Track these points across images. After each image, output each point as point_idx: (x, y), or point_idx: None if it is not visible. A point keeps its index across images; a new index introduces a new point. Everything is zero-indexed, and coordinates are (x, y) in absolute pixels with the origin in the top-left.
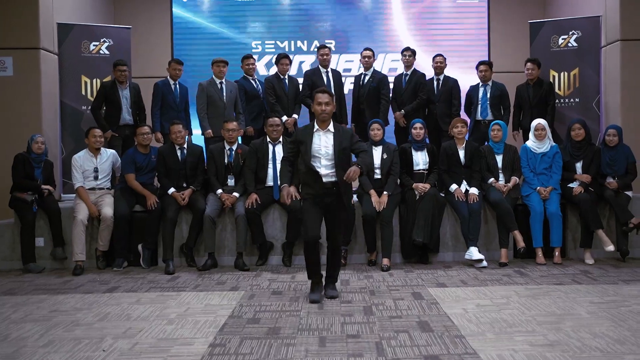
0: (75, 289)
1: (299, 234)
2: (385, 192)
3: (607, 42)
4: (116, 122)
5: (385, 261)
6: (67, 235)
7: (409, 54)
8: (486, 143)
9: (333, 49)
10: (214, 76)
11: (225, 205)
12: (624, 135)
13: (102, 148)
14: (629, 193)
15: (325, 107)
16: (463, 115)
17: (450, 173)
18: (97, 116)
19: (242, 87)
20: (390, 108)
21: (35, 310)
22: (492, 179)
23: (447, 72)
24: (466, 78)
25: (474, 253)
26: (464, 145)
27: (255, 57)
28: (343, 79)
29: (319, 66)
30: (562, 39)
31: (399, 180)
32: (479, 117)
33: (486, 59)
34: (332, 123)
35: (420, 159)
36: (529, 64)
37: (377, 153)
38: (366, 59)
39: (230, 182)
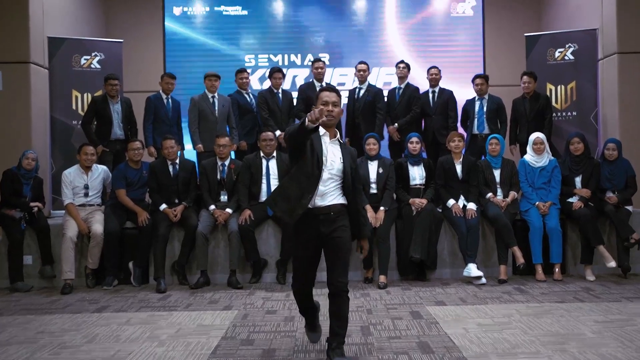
0: (63, 308)
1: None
2: (381, 208)
3: (604, 54)
4: (107, 137)
5: (382, 278)
6: (56, 253)
7: (403, 66)
8: (483, 157)
9: (327, 62)
10: (206, 90)
11: (218, 221)
12: (623, 149)
13: (93, 165)
14: (630, 208)
15: (332, 107)
16: (459, 129)
17: (447, 188)
18: (87, 131)
19: (236, 101)
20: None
21: (21, 331)
22: (490, 194)
23: (443, 85)
24: (461, 92)
25: (472, 270)
26: (461, 159)
27: (249, 71)
28: None
29: (314, 80)
30: (559, 52)
31: (395, 195)
32: (475, 131)
33: (482, 72)
34: (338, 133)
35: (417, 174)
36: (525, 77)
37: (373, 167)
38: (361, 73)
39: (223, 197)
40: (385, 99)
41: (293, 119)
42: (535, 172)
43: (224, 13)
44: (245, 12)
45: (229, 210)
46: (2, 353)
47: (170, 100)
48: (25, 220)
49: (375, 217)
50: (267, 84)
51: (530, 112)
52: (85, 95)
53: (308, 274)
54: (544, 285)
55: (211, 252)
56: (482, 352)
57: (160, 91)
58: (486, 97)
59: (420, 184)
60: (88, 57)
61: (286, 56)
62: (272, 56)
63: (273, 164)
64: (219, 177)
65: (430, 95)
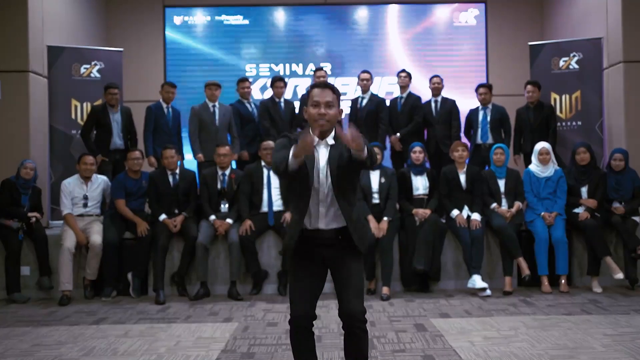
0: (60, 320)
1: None
2: (385, 218)
3: (609, 64)
4: (107, 147)
5: (385, 290)
6: (53, 263)
7: (404, 76)
8: (487, 167)
9: (329, 72)
10: (206, 99)
11: (218, 232)
12: (629, 159)
13: (93, 174)
14: (637, 218)
15: (325, 110)
16: (463, 138)
17: (451, 198)
18: (87, 141)
19: (237, 110)
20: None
21: (17, 343)
22: (494, 204)
23: (446, 95)
24: (465, 101)
25: (477, 281)
26: (464, 169)
27: (250, 80)
28: None
29: None
30: (563, 61)
31: (398, 206)
32: (479, 140)
33: (485, 81)
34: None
35: (420, 184)
36: (529, 86)
37: (375, 177)
38: (364, 82)
39: (224, 208)
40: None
41: (295, 129)
42: (541, 182)
43: (225, 22)
44: (246, 22)
45: (229, 220)
46: None
47: (170, 109)
48: (23, 231)
49: (378, 227)
50: (268, 93)
51: (534, 122)
52: (84, 104)
53: (305, 293)
54: (550, 297)
55: (211, 263)
56: None
57: (161, 100)
58: (490, 106)
59: (423, 194)
60: (88, 66)
61: (287, 66)
62: (273, 66)
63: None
64: (219, 187)
65: (433, 104)
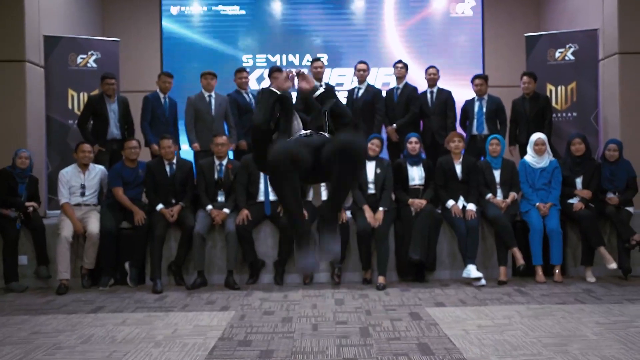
0: (58, 309)
1: (291, 251)
2: (380, 208)
3: (605, 55)
4: (104, 137)
5: (381, 279)
6: (51, 253)
7: (401, 67)
8: (482, 158)
9: (326, 63)
10: (202, 89)
11: (215, 221)
12: (624, 150)
13: (91, 164)
14: (631, 209)
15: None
16: (459, 129)
17: (446, 188)
18: (83, 131)
19: (235, 100)
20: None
21: (15, 332)
22: (489, 195)
23: (442, 86)
24: (461, 92)
25: (472, 271)
26: (460, 160)
27: (247, 70)
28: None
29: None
30: (559, 52)
31: (394, 196)
32: (474, 131)
33: (481, 72)
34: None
35: (416, 174)
36: (525, 77)
37: (371, 168)
38: (361, 72)
39: (220, 198)
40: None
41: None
42: (536, 173)
43: (222, 13)
44: (243, 12)
45: (226, 210)
46: None
47: (167, 99)
48: (21, 220)
49: (374, 217)
50: (265, 84)
51: (530, 113)
52: (81, 94)
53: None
54: (544, 287)
55: (208, 252)
56: (483, 354)
57: (158, 90)
58: (485, 97)
59: (419, 185)
60: (84, 56)
61: (284, 56)
62: (270, 56)
63: None
64: (216, 176)
65: (429, 95)
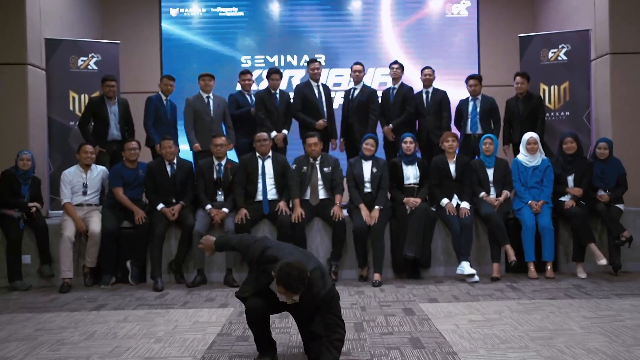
0: (61, 307)
1: None
2: (376, 207)
3: (596, 55)
4: (104, 138)
5: (377, 276)
6: (54, 252)
7: (396, 67)
8: (476, 157)
9: (323, 63)
10: (200, 91)
11: (215, 220)
12: (615, 148)
13: (92, 164)
14: (621, 206)
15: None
16: (453, 129)
17: (441, 187)
18: (84, 132)
19: (236, 101)
20: (379, 122)
21: (20, 329)
22: (483, 193)
23: (438, 86)
24: (457, 92)
25: (465, 268)
26: (454, 159)
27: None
28: (333, 93)
29: (310, 80)
30: (552, 52)
31: (389, 195)
32: (468, 131)
33: (476, 72)
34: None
35: (411, 173)
36: (518, 77)
37: (367, 167)
38: (357, 73)
39: (220, 197)
40: (380, 100)
41: (290, 119)
42: (528, 171)
43: (220, 14)
44: (241, 14)
45: (225, 209)
46: (2, 349)
47: (168, 102)
48: (24, 220)
49: (370, 215)
50: (263, 85)
51: (523, 112)
52: (82, 96)
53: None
54: (536, 283)
55: None
56: (471, 347)
57: (160, 92)
58: (479, 97)
59: (414, 184)
60: (85, 59)
61: (282, 57)
62: (268, 57)
63: (269, 163)
64: (215, 176)
65: (424, 95)
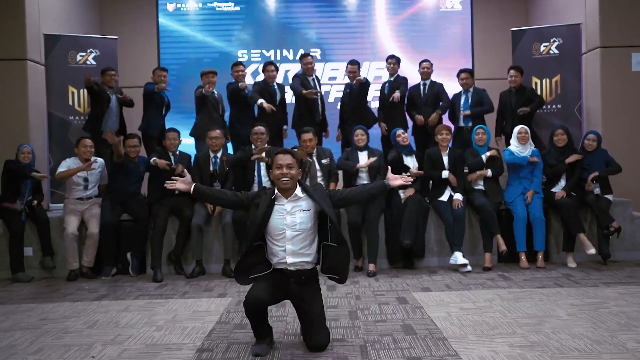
0: (64, 297)
1: None
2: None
3: (587, 49)
4: (99, 127)
5: (371, 267)
6: (56, 244)
7: (393, 62)
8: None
9: (318, 57)
10: (204, 89)
11: (214, 213)
12: (605, 141)
13: (92, 157)
14: (610, 197)
15: (287, 170)
16: (447, 122)
17: (434, 178)
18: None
19: (232, 91)
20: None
21: (24, 318)
22: (466, 169)
23: (433, 79)
24: (450, 85)
25: (458, 258)
26: (447, 151)
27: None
28: (328, 87)
29: (305, 75)
30: (544, 46)
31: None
32: (461, 124)
33: (470, 66)
34: (298, 186)
35: (411, 164)
36: (512, 71)
37: (363, 157)
38: (352, 74)
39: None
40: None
41: (286, 114)
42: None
43: (217, 9)
44: (237, 8)
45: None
46: (8, 337)
47: (162, 94)
48: (26, 213)
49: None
50: (259, 78)
51: (516, 105)
52: (81, 91)
53: (264, 289)
54: (527, 272)
55: (206, 242)
56: (461, 333)
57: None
58: (471, 90)
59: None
60: (84, 54)
61: (278, 51)
62: (264, 51)
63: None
64: (211, 169)
65: (422, 87)
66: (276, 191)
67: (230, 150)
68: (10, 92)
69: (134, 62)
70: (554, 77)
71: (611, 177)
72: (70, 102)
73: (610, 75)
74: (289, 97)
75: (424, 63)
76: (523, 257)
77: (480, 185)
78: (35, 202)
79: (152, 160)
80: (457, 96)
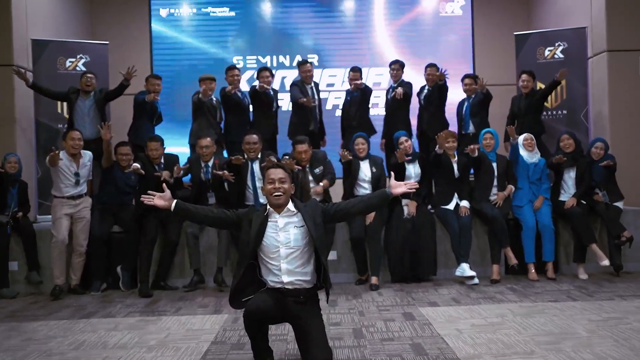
0: (49, 315)
1: None
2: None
3: (593, 53)
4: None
5: (374, 280)
6: (42, 258)
7: (397, 67)
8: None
9: (316, 63)
10: (200, 95)
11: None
12: (613, 147)
13: (81, 150)
14: (620, 205)
15: (279, 184)
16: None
17: (443, 185)
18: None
19: (225, 97)
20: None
21: (6, 339)
22: (495, 193)
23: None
24: (451, 92)
25: (465, 270)
26: (456, 158)
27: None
28: (326, 94)
29: (303, 83)
30: (549, 50)
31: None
32: (466, 130)
33: (471, 72)
34: (291, 201)
35: (412, 172)
36: (524, 75)
37: (366, 167)
38: (354, 82)
39: (211, 200)
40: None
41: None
42: (530, 167)
43: (212, 14)
44: (232, 14)
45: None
46: None
47: (154, 103)
48: (11, 226)
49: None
50: (254, 84)
51: (526, 109)
52: None
53: (265, 301)
54: (537, 285)
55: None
56: (476, 353)
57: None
58: (473, 96)
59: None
60: (73, 60)
61: (275, 57)
62: (260, 57)
63: (257, 166)
64: (203, 178)
65: (426, 91)
66: (268, 207)
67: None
68: None
69: (126, 68)
70: None
71: (620, 185)
72: (59, 110)
73: (617, 79)
74: (285, 105)
75: (429, 69)
76: (532, 268)
77: (493, 196)
78: (20, 213)
79: (132, 166)
80: (461, 103)
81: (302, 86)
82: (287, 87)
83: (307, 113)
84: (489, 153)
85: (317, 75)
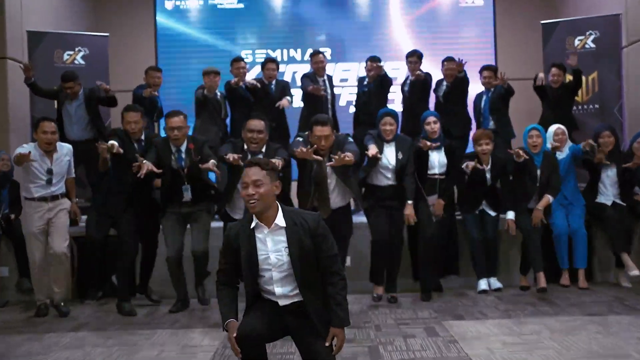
0: (37, 326)
1: None
2: (409, 202)
3: (628, 42)
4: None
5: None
6: None
7: (414, 60)
8: None
9: (329, 57)
10: (206, 90)
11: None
12: None
13: (57, 143)
14: None
15: (254, 189)
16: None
17: (472, 194)
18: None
19: (231, 90)
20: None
21: None
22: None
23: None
24: (472, 86)
25: (493, 283)
26: (490, 164)
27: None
28: (339, 89)
29: (315, 75)
30: (579, 40)
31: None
32: (486, 127)
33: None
34: (280, 210)
35: (436, 161)
36: (554, 69)
37: (391, 152)
38: (371, 72)
39: (187, 194)
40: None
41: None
42: (560, 164)
43: (219, 7)
44: (241, 5)
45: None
46: None
47: (154, 98)
48: (2, 229)
49: (409, 214)
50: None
51: (556, 101)
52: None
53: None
54: (572, 296)
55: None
56: None
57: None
58: (492, 90)
59: (439, 174)
60: (71, 52)
61: (285, 51)
62: (270, 51)
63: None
64: (175, 166)
65: (444, 87)
66: (254, 218)
67: None
68: None
69: (128, 62)
70: (591, 74)
71: None
72: (56, 106)
73: None
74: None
75: (447, 63)
76: (566, 274)
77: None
78: (12, 215)
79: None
80: (479, 97)
81: (314, 78)
82: (298, 82)
83: (318, 105)
84: (535, 155)
85: (330, 69)
